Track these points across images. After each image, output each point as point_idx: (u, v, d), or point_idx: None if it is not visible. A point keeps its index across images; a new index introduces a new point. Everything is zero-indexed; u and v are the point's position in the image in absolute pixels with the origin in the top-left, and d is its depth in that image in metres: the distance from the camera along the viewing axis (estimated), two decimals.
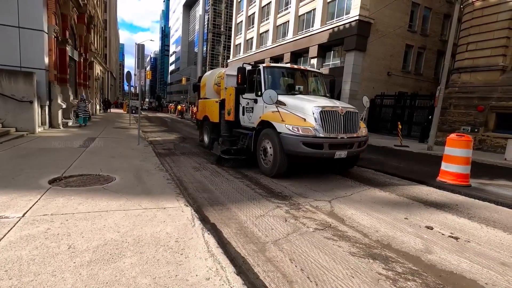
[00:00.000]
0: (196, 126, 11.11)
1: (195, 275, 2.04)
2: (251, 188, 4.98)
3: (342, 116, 5.49)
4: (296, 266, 2.51)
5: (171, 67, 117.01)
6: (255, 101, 6.47)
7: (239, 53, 40.31)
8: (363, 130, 6.08)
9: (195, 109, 35.51)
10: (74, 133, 10.21)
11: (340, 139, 5.49)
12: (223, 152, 6.85)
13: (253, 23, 36.29)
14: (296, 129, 5.22)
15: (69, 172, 4.65)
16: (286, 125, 5.29)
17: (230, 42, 46.00)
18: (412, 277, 2.45)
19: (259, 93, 6.24)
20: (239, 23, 41.33)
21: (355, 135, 5.72)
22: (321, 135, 5.30)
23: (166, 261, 2.19)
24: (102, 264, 2.09)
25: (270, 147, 5.69)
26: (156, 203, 3.46)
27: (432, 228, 3.60)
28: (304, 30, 25.72)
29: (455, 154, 5.71)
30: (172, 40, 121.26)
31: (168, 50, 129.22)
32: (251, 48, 36.78)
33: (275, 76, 6.75)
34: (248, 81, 6.66)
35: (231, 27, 46.99)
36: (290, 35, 27.38)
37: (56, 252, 2.22)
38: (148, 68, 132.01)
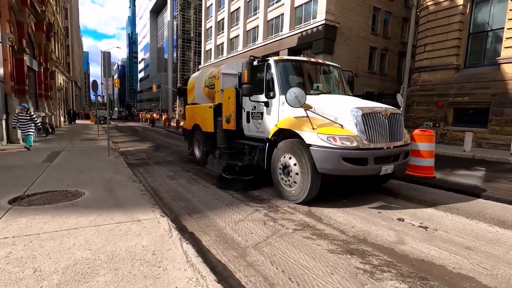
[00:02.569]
0: (184, 136, 9.51)
1: (175, 287, 1.98)
2: (229, 193, 4.94)
3: (386, 120, 4.32)
4: (277, 268, 2.52)
5: (141, 75, 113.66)
6: (266, 104, 5.15)
7: (210, 59, 40.13)
8: (407, 136, 4.92)
9: (165, 116, 34.64)
10: (36, 147, 9.54)
11: (386, 149, 4.32)
12: (225, 170, 5.59)
13: (223, 29, 36.34)
14: (332, 139, 3.96)
15: (32, 190, 4.34)
16: (319, 134, 4.03)
17: (201, 47, 45.69)
18: (387, 269, 2.56)
19: (271, 93, 5.07)
20: (208, 28, 41.20)
21: (400, 144, 4.54)
22: (364, 145, 4.07)
23: (143, 276, 2.11)
24: (73, 286, 1.97)
25: (295, 164, 4.40)
26: (130, 216, 3.32)
27: (403, 220, 3.78)
28: (273, 35, 26.19)
29: (420, 149, 6.07)
30: (140, 47, 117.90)
31: (137, 57, 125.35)
32: (222, 54, 36.77)
33: (290, 72, 5.41)
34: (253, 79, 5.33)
35: (200, 33, 46.69)
36: (260, 40, 27.74)
37: (20, 277, 2.05)
38: (116, 76, 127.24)
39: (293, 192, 4.47)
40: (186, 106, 8.74)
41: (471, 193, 5.09)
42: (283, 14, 24.64)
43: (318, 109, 4.36)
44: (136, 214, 3.38)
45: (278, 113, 4.94)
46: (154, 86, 42.36)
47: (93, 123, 29.59)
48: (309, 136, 4.14)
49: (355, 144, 3.99)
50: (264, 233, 3.28)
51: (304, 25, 22.45)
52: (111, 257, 2.37)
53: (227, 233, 3.25)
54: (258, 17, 28.31)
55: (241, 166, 5.54)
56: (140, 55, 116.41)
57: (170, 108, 65.64)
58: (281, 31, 24.87)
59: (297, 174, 4.39)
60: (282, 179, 4.68)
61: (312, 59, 6.00)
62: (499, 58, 11.71)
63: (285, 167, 4.60)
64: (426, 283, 2.35)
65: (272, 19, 26.44)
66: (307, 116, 4.16)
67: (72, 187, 4.54)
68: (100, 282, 2.01)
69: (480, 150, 10.88)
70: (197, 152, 8.12)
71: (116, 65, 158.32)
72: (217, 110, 6.53)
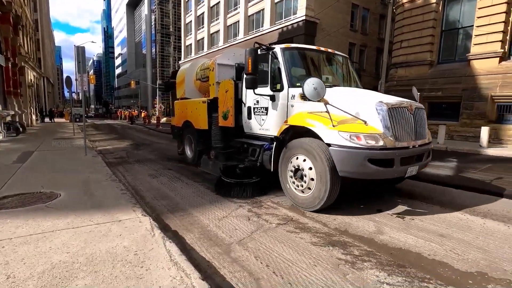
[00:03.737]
0: (172, 134, 8.73)
1: (158, 286, 1.96)
2: (212, 190, 4.90)
3: (412, 116, 3.91)
4: (261, 263, 2.54)
5: (118, 70, 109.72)
6: (272, 98, 4.61)
7: (191, 54, 39.43)
8: (429, 133, 4.49)
9: (144, 113, 33.65)
10: (6, 147, 9.02)
11: (412, 148, 3.89)
12: (225, 172, 4.93)
13: (203, 24, 35.75)
14: (355, 138, 3.48)
15: (3, 193, 4.10)
16: (340, 132, 3.52)
17: (181, 42, 44.76)
18: (368, 258, 2.65)
19: (277, 86, 4.54)
20: (188, 23, 40.38)
21: (423, 142, 4.13)
22: (391, 145, 3.60)
23: (125, 277, 2.06)
24: None
25: (310, 167, 3.85)
26: (110, 217, 3.23)
27: (381, 211, 3.93)
28: (254, 30, 26.08)
29: None
30: (116, 42, 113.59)
31: (113, 52, 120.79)
32: (202, 49, 36.21)
33: (298, 62, 4.96)
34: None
35: (180, 28, 45.68)
36: (241, 35, 27.54)
37: None
38: (91, 72, 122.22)
39: (307, 198, 3.93)
40: (175, 101, 8.05)
41: (445, 184, 5.37)
42: (263, 9, 24.57)
43: (334, 103, 3.79)
44: (116, 214, 3.29)
45: (287, 108, 4.39)
46: (132, 82, 41.15)
47: (68, 121, 28.36)
48: (328, 134, 3.61)
49: (381, 143, 3.51)
50: (248, 228, 3.29)
51: (284, 20, 22.52)
52: (91, 259, 2.30)
53: (211, 230, 3.24)
54: (238, 12, 28.06)
55: (242, 168, 4.91)
56: (117, 50, 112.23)
57: (149, 105, 64.04)
58: (262, 26, 24.82)
59: (312, 178, 3.84)
60: (294, 184, 4.14)
61: (322, 48, 5.43)
62: (469, 55, 12.32)
63: (298, 170, 4.05)
64: (403, 270, 2.46)
65: (253, 14, 26.30)
66: (327, 111, 3.60)
67: (47, 189, 4.33)
68: (79, 286, 1.95)
69: (452, 142, 11.46)
70: (188, 152, 7.56)
71: (91, 61, 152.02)
72: (212, 105, 6.01)
